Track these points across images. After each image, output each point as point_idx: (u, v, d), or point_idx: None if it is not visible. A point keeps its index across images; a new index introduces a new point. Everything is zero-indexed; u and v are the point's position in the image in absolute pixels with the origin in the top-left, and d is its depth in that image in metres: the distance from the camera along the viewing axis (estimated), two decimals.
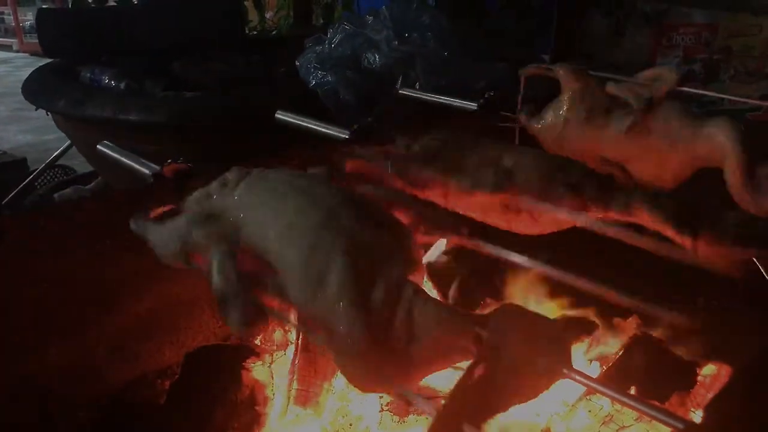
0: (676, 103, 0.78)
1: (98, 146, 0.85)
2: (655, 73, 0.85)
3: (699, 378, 0.77)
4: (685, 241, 0.53)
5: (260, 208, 0.53)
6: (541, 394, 0.42)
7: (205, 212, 0.56)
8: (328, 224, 0.49)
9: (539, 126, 0.91)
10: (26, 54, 6.67)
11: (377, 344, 0.43)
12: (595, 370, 0.92)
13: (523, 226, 0.68)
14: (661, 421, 0.39)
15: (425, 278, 1.11)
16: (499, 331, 0.41)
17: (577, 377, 0.42)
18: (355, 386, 0.47)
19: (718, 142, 0.70)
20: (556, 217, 0.65)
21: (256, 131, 1.26)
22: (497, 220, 0.69)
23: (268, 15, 2.41)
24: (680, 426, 0.39)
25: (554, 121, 0.88)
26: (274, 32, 2.35)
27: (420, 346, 0.43)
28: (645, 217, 0.57)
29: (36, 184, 2.31)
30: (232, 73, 1.68)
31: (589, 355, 0.94)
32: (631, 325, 0.98)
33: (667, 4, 2.01)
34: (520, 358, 0.41)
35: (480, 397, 0.40)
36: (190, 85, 1.61)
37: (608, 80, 0.86)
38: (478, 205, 0.68)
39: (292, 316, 0.52)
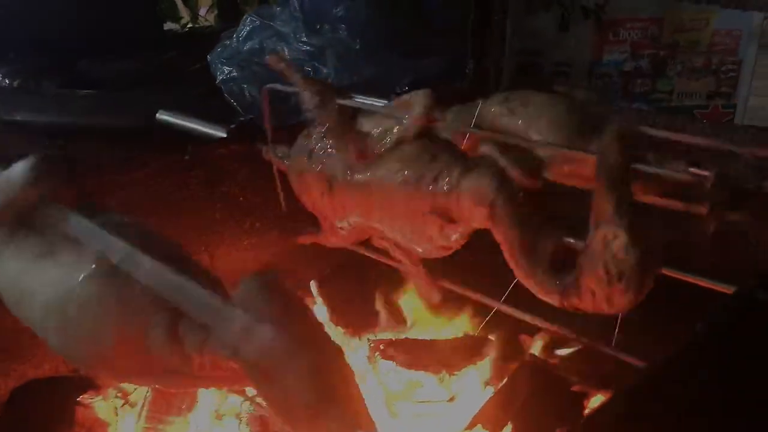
0: None
1: None
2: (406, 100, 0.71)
3: (586, 411, 0.67)
4: None
5: None
6: None
7: None
8: None
9: (287, 162, 0.74)
10: None
11: None
12: (487, 395, 0.82)
13: None
14: None
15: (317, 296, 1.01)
16: None
17: None
18: None
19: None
20: None
21: (144, 131, 1.16)
22: None
23: (201, 12, 2.30)
24: None
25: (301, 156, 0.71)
26: (208, 29, 2.23)
27: None
28: None
29: None
30: (142, 70, 1.56)
31: (483, 378, 0.84)
32: (536, 343, 0.89)
33: None
34: None
35: None
36: (94, 84, 1.49)
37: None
38: None
39: None
